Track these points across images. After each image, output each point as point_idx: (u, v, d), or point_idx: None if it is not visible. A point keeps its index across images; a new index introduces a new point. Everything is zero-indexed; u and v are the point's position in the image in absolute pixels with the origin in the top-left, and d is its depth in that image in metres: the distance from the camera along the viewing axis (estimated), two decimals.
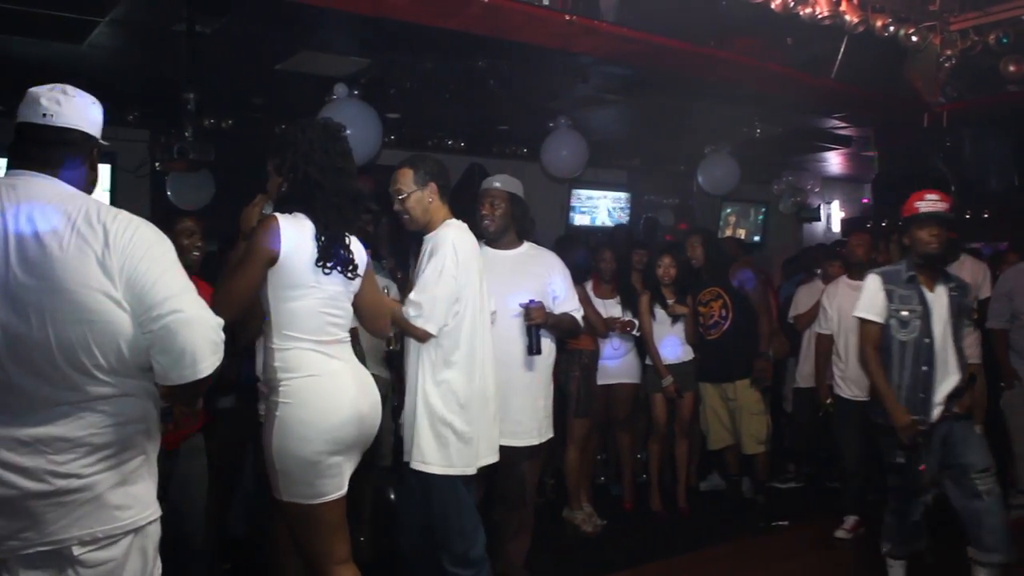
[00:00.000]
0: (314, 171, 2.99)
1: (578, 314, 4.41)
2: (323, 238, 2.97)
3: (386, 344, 4.25)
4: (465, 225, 3.66)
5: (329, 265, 2.96)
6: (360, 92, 6.44)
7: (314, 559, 3.05)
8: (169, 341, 2.16)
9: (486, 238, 4.31)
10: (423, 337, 3.46)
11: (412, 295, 3.45)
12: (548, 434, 4.37)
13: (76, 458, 2.12)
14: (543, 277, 4.32)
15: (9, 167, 2.27)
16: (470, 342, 3.55)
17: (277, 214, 2.96)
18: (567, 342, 4.91)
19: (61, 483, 2.10)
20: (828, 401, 5.94)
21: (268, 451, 2.94)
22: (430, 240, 3.56)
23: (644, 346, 6.21)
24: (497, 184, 4.34)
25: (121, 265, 2.16)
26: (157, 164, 6.57)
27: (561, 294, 4.36)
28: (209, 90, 5.57)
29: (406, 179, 3.57)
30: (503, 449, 4.14)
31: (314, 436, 2.92)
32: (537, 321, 4.11)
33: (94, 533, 2.14)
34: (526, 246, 4.39)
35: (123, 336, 2.17)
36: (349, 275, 3.05)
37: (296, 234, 2.92)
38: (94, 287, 2.13)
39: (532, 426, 4.26)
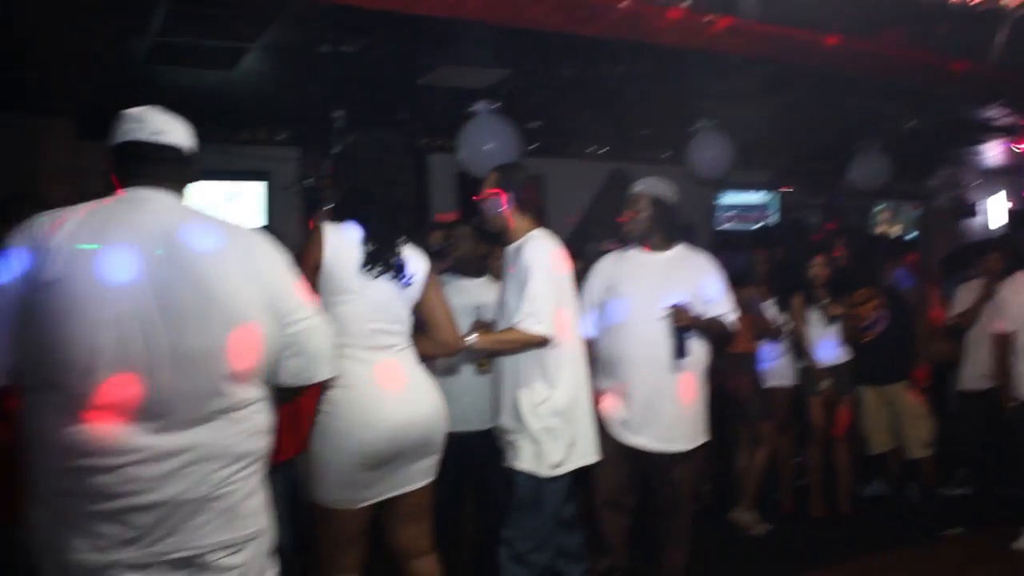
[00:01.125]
0: (363, 182, 3.12)
1: (731, 318, 4.31)
2: (370, 244, 3.11)
3: (481, 364, 4.20)
4: (549, 234, 3.71)
5: (376, 270, 3.09)
6: (500, 106, 6.52)
7: (321, 561, 3.18)
8: (306, 343, 2.34)
9: (629, 241, 4.29)
10: (540, 343, 3.52)
11: (524, 307, 3.50)
12: (701, 439, 4.29)
13: (220, 467, 2.18)
14: (694, 280, 4.25)
15: (121, 185, 2.32)
16: (570, 349, 3.62)
17: (324, 224, 3.15)
18: (727, 345, 4.82)
19: (205, 491, 2.16)
20: (1011, 404, 5.59)
21: (310, 452, 3.07)
22: (516, 252, 3.63)
23: (799, 349, 6.04)
24: (640, 187, 4.31)
25: (259, 274, 2.27)
26: (304, 181, 6.79)
27: (713, 297, 4.27)
28: (355, 107, 5.72)
29: (490, 183, 3.72)
30: (654, 456, 4.11)
31: (345, 447, 3.04)
32: (683, 323, 4.05)
33: (230, 540, 2.20)
34: (678, 248, 4.33)
35: (263, 343, 2.26)
36: (400, 280, 3.15)
37: (340, 240, 3.11)
38: (242, 295, 2.22)
39: (682, 432, 4.20)
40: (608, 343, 4.21)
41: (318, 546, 3.16)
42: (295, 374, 2.38)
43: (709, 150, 7.75)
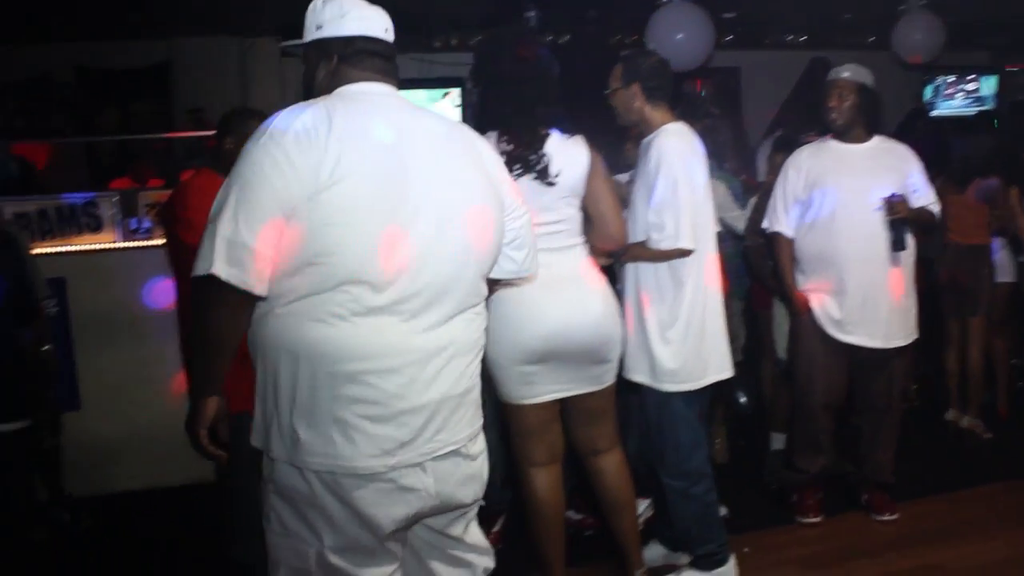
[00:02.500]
0: (492, 83, 3.05)
1: (936, 208, 4.11)
2: (506, 147, 3.00)
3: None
4: (686, 129, 3.43)
5: (515, 174, 2.96)
6: None
7: (515, 456, 3.25)
8: (526, 235, 2.39)
9: (833, 132, 4.10)
10: (684, 255, 3.32)
11: (652, 216, 3.30)
12: (914, 334, 4.14)
13: (470, 361, 2.23)
14: (900, 170, 4.05)
15: (353, 78, 2.20)
16: (699, 258, 3.37)
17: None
18: (930, 236, 4.58)
19: (466, 384, 2.20)
20: None
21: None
22: (648, 147, 3.39)
23: (1017, 243, 5.66)
24: (846, 74, 4.07)
25: (486, 167, 2.26)
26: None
27: (920, 187, 4.08)
28: (546, 6, 5.68)
29: (615, 75, 3.43)
30: (869, 352, 4.02)
31: (504, 344, 3.06)
32: (901, 215, 3.88)
33: (476, 429, 2.27)
34: (876, 139, 4.11)
35: (498, 235, 2.30)
36: (542, 181, 3.04)
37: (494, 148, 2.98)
38: (489, 193, 2.24)
39: (898, 327, 4.06)
40: (814, 240, 4.05)
41: (511, 440, 3.27)
42: (517, 267, 2.40)
43: (918, 31, 7.25)
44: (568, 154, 3.10)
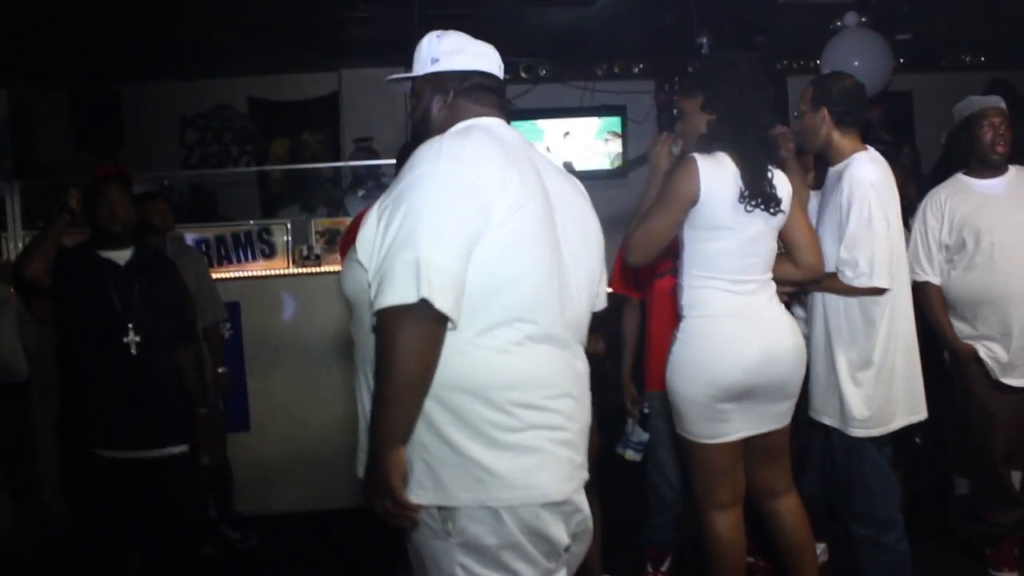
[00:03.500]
0: (750, 106, 2.88)
1: None
2: (749, 176, 2.86)
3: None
4: (877, 156, 3.23)
5: (752, 203, 2.85)
6: (869, 19, 6.08)
7: (696, 498, 3.09)
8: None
9: (988, 166, 3.83)
10: (878, 294, 3.14)
11: (843, 253, 3.12)
12: None
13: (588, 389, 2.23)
14: None
15: (472, 112, 2.19)
16: (894, 293, 3.16)
17: (695, 155, 2.88)
18: None
19: (590, 412, 2.21)
20: None
21: (667, 382, 3.01)
22: (837, 175, 3.20)
23: None
24: (1002, 104, 3.82)
25: (588, 201, 2.30)
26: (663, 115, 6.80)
27: None
28: (717, 31, 5.59)
29: (804, 97, 3.29)
30: None
31: (699, 378, 2.91)
32: None
33: None
34: (1012, 171, 3.87)
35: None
36: (771, 211, 2.90)
37: (716, 175, 2.85)
38: (596, 225, 2.28)
39: None
40: (972, 283, 3.82)
41: (692, 480, 3.14)
42: (603, 302, 2.37)
43: None
44: (781, 183, 2.99)
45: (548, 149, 7.66)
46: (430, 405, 1.95)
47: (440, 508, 1.95)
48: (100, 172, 3.64)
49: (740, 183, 2.86)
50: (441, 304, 1.84)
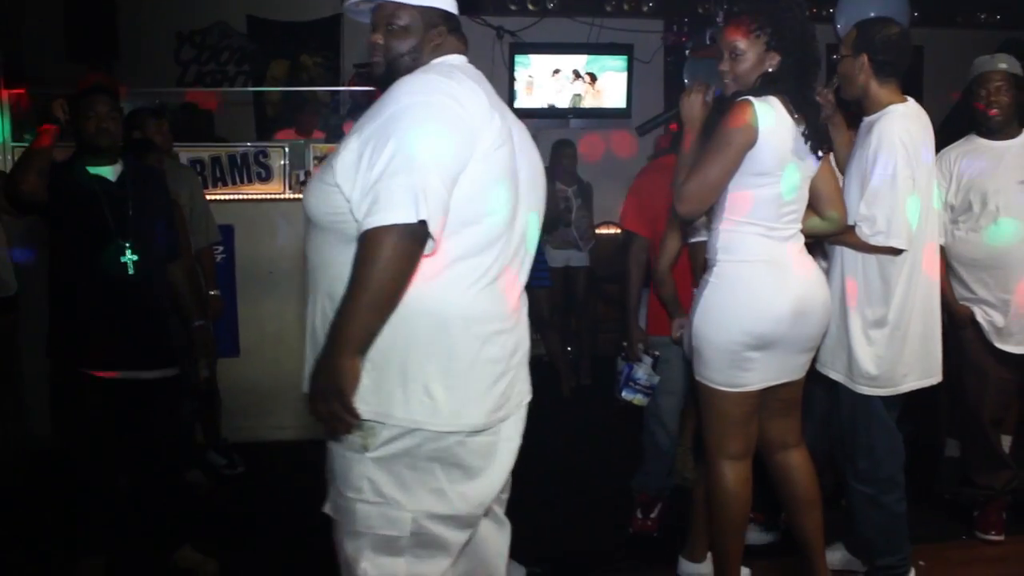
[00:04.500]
0: (810, 51, 2.80)
1: None
2: (812, 118, 2.81)
3: None
4: (916, 109, 3.14)
5: (813, 144, 2.80)
6: None
7: (708, 446, 3.06)
8: None
9: (987, 128, 3.77)
10: (895, 254, 3.08)
11: (863, 208, 3.05)
12: None
13: None
14: None
15: (455, 50, 2.26)
16: (914, 254, 3.10)
17: (750, 98, 2.77)
18: None
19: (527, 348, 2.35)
20: None
21: (691, 327, 2.96)
22: (869, 127, 3.11)
23: None
24: (1003, 65, 3.73)
25: None
26: (686, 51, 6.67)
27: None
28: None
29: (847, 41, 3.17)
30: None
31: (731, 324, 2.86)
32: None
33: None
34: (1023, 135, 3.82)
35: None
36: (820, 154, 2.86)
37: (772, 119, 2.76)
38: (542, 177, 2.40)
39: None
40: (975, 246, 3.79)
41: (705, 428, 3.09)
42: None
43: None
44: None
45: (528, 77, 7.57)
46: (390, 328, 2.01)
47: (365, 422, 2.02)
48: (86, 82, 3.51)
49: (796, 127, 2.78)
50: (434, 227, 1.93)
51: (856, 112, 3.30)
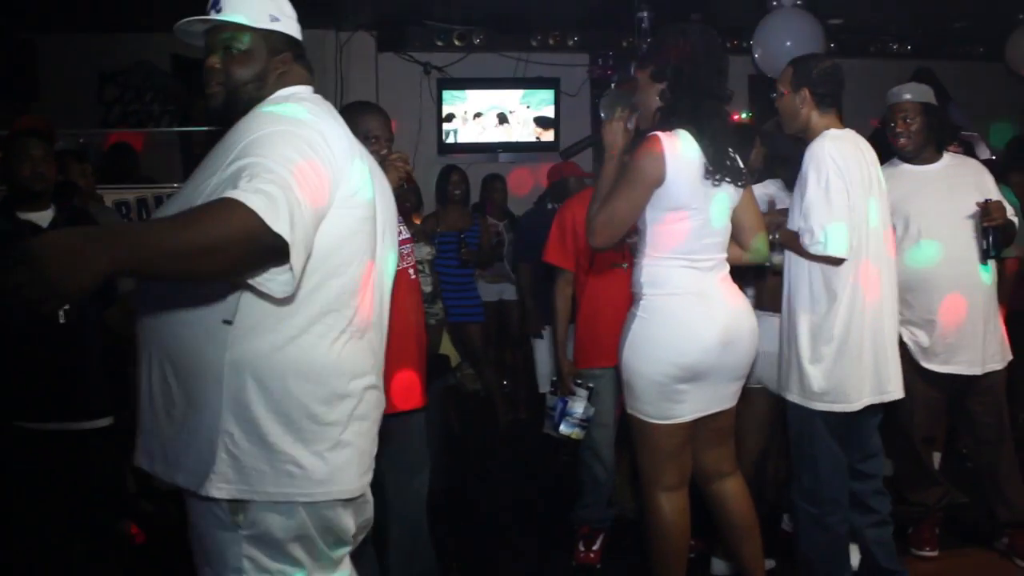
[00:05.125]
0: (702, 75, 2.85)
1: (1015, 219, 3.88)
2: (712, 149, 2.83)
3: (768, 266, 3.59)
4: (850, 133, 3.24)
5: (718, 177, 2.83)
6: (802, 2, 6.13)
7: (643, 479, 3.07)
8: None
9: (900, 156, 3.88)
10: (835, 263, 3.13)
11: (800, 220, 3.12)
12: (1009, 356, 3.93)
13: None
14: (978, 186, 3.83)
15: (302, 80, 2.10)
16: (856, 268, 3.16)
17: (659, 133, 2.82)
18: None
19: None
20: None
21: (620, 361, 2.98)
22: (806, 153, 3.19)
23: None
24: (907, 95, 3.83)
25: None
26: (612, 83, 6.77)
27: (998, 199, 3.82)
28: (659, 7, 5.56)
29: (784, 78, 3.26)
30: (969, 380, 3.83)
31: (660, 356, 2.89)
32: (998, 221, 3.64)
33: None
34: (947, 157, 3.92)
35: None
36: (739, 184, 2.91)
37: (680, 154, 2.80)
38: (395, 216, 2.31)
39: (995, 348, 3.86)
40: (898, 269, 3.84)
41: (639, 460, 3.11)
42: None
43: None
44: (737, 157, 2.98)
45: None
46: (249, 394, 1.84)
47: (230, 501, 1.86)
48: (19, 126, 3.43)
49: (703, 158, 2.82)
50: (297, 262, 1.69)
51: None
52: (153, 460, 1.93)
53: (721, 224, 2.94)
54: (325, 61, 7.24)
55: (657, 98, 2.92)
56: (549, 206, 6.15)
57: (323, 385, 1.90)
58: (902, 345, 3.84)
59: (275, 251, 1.66)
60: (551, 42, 7.57)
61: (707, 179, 2.83)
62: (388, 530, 3.30)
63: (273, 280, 1.72)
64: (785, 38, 6.19)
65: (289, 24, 2.08)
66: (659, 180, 2.81)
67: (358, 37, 7.27)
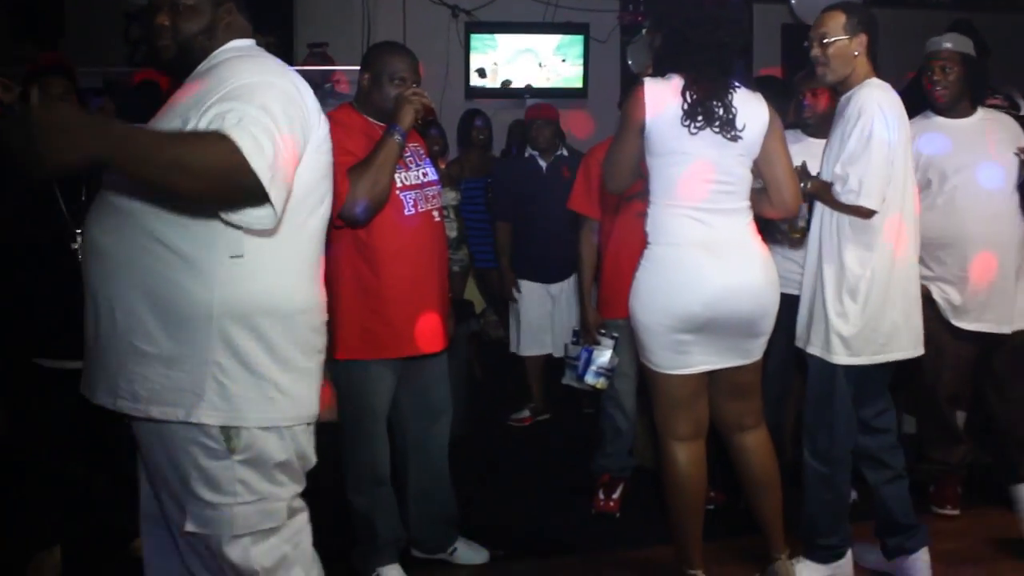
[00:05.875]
0: (682, 23, 2.86)
1: None
2: (691, 95, 2.81)
3: (793, 230, 3.64)
4: (888, 85, 3.17)
5: (696, 123, 2.81)
6: None
7: (658, 427, 3.10)
8: None
9: (935, 108, 3.82)
10: (865, 215, 3.07)
11: (838, 168, 3.07)
12: None
13: None
14: (1013, 142, 3.75)
15: (244, 32, 2.24)
16: (887, 222, 3.10)
17: (645, 79, 2.89)
18: None
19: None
20: None
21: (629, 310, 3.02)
22: (849, 100, 3.12)
23: None
24: (948, 44, 3.75)
25: None
26: (642, 30, 6.64)
27: None
28: None
29: (835, 23, 3.13)
30: (1002, 338, 3.80)
31: (658, 308, 2.91)
32: None
33: None
34: (981, 112, 3.85)
35: None
36: (726, 135, 2.85)
37: (662, 97, 2.84)
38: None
39: None
40: (931, 224, 3.73)
41: (654, 409, 3.11)
42: None
43: None
44: (750, 110, 2.92)
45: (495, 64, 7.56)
46: (234, 327, 1.99)
47: (222, 427, 2.00)
48: (40, 62, 3.40)
49: (697, 105, 2.82)
50: (278, 212, 1.88)
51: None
52: (116, 396, 2.02)
53: (728, 172, 2.89)
54: (352, 3, 7.17)
55: (654, 46, 3.00)
56: (513, 152, 6.11)
57: (308, 316, 2.12)
58: (931, 302, 3.82)
59: (252, 190, 1.82)
60: None
61: (684, 125, 2.81)
62: (408, 474, 3.32)
63: (250, 215, 1.88)
64: None
65: None
66: (640, 122, 2.84)
67: None
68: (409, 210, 3.07)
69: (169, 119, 1.99)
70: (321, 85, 6.62)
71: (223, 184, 1.81)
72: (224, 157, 1.77)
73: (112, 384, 2.03)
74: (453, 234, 5.01)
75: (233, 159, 1.77)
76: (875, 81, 3.13)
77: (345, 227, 2.96)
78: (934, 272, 3.84)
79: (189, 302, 1.96)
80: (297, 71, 5.98)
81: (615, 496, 3.92)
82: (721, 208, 2.89)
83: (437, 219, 3.19)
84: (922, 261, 3.81)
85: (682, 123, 2.82)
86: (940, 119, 3.84)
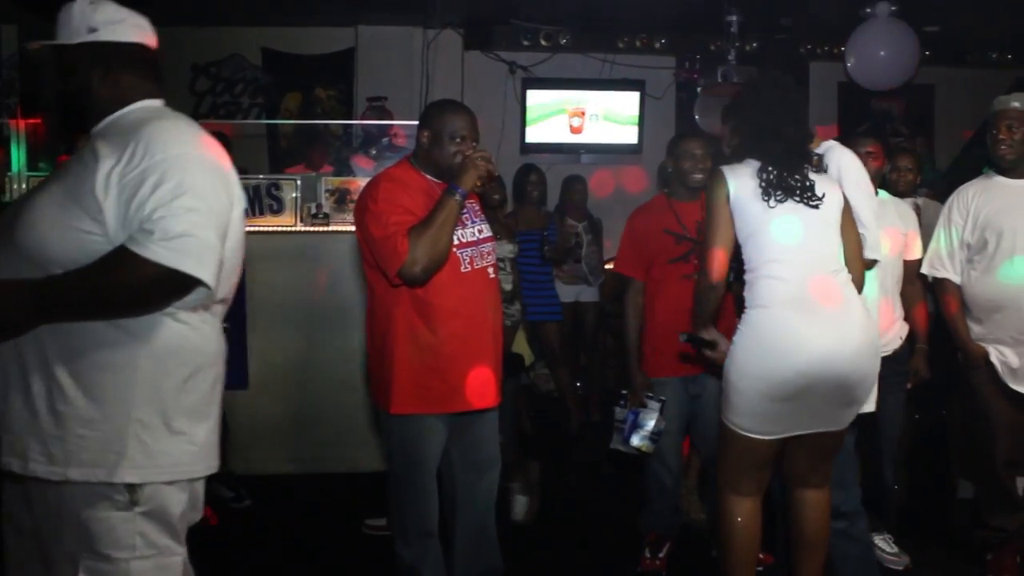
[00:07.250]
0: (764, 117, 2.96)
1: None
2: (770, 170, 2.91)
3: None
4: None
5: (778, 196, 2.88)
6: (898, 9, 5.98)
7: (719, 479, 3.10)
8: None
9: (998, 167, 3.79)
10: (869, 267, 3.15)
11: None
12: None
13: None
14: None
15: (142, 92, 2.14)
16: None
17: (721, 167, 3.02)
18: None
19: None
20: None
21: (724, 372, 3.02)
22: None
23: None
24: (1016, 104, 3.73)
25: None
26: (698, 88, 6.71)
27: None
28: (748, 10, 5.49)
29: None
30: None
31: (752, 372, 2.87)
32: None
33: None
34: None
35: None
36: (808, 203, 2.90)
37: (741, 175, 2.95)
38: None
39: None
40: (990, 285, 3.77)
41: (719, 462, 3.10)
42: None
43: None
44: (825, 185, 3.00)
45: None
46: (162, 382, 1.99)
47: (128, 484, 1.96)
48: None
49: (761, 181, 2.92)
50: (212, 286, 1.93)
51: None
52: (27, 460, 1.95)
53: (816, 238, 2.93)
54: (412, 58, 7.32)
55: (731, 140, 3.19)
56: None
57: (215, 367, 2.11)
58: (989, 364, 3.76)
59: (188, 286, 1.92)
60: (638, 44, 7.52)
61: (764, 199, 2.90)
62: (455, 527, 3.32)
63: (184, 301, 1.97)
64: (879, 48, 6.06)
65: (111, 31, 2.11)
66: (726, 199, 2.94)
67: (445, 35, 7.33)
68: (466, 267, 3.09)
69: (69, 178, 1.97)
70: (379, 139, 6.74)
71: (169, 299, 1.94)
72: (150, 294, 1.90)
73: (22, 447, 1.95)
74: (508, 287, 5.03)
75: (162, 291, 1.90)
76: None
77: (403, 285, 3.00)
78: (992, 334, 3.79)
79: (110, 361, 1.95)
80: (356, 124, 6.09)
81: (661, 555, 3.87)
82: (815, 273, 2.90)
83: (492, 276, 3.21)
84: (980, 322, 3.82)
85: (762, 198, 2.89)
86: (1001, 179, 3.82)
